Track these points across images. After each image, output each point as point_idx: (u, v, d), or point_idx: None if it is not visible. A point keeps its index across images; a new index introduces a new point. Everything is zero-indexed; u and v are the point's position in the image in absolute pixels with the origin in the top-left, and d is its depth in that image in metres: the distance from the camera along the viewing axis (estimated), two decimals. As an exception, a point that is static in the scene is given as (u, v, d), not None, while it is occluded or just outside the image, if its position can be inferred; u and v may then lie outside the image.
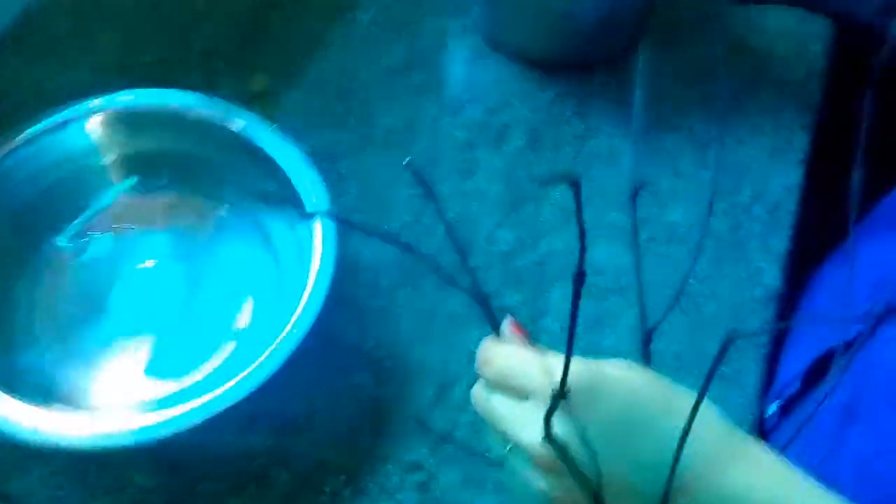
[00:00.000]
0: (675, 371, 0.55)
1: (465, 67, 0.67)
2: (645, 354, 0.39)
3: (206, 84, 0.62)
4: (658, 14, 0.69)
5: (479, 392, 0.39)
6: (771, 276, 0.59)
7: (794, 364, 0.54)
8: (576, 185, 0.26)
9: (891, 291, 0.48)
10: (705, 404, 0.32)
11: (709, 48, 0.69)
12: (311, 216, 0.33)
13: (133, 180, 0.52)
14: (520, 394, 0.36)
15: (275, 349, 0.45)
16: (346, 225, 0.32)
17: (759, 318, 0.57)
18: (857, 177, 0.38)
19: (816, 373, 0.50)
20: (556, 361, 0.36)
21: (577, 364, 0.34)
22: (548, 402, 0.33)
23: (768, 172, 0.63)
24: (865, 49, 0.74)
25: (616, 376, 0.36)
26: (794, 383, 0.51)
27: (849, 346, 0.44)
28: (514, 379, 0.37)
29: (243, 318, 0.51)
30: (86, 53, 0.64)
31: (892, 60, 0.59)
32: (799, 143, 0.65)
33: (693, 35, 0.69)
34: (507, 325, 0.39)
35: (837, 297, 0.55)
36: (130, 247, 0.53)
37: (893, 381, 0.43)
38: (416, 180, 0.34)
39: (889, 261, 0.52)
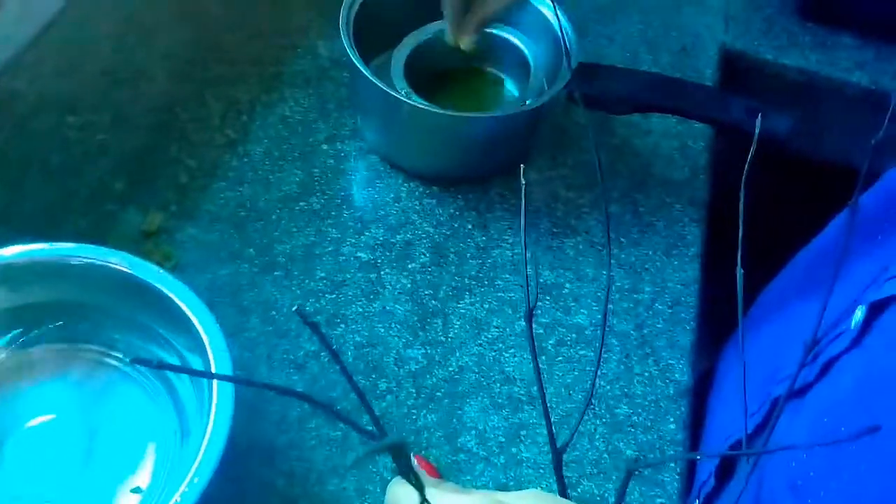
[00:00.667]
0: (593, 477, 0.55)
1: (364, 189, 0.67)
2: (559, 479, 0.38)
3: (94, 228, 0.61)
4: (546, 123, 0.72)
5: None
6: (680, 371, 0.60)
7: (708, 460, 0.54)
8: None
9: (777, 381, 0.49)
10: None
11: (596, 154, 0.72)
12: (203, 375, 0.32)
13: (15, 335, 0.50)
14: None
15: (176, 502, 0.42)
16: (240, 383, 0.31)
17: (673, 415, 0.57)
18: (739, 274, 0.40)
19: (729, 467, 0.51)
20: (466, 498, 0.35)
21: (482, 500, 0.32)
22: None
23: (665, 269, 0.65)
24: (740, 146, 0.79)
25: None
26: (709, 481, 0.51)
27: (750, 437, 0.44)
28: None
29: (144, 473, 0.48)
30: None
31: (763, 151, 0.63)
32: (692, 237, 0.67)
33: (581, 141, 0.72)
34: (414, 463, 0.38)
35: (735, 392, 0.56)
36: (20, 404, 0.50)
37: (790, 471, 0.43)
38: (307, 326, 0.33)
39: (772, 351, 0.54)
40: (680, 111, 0.64)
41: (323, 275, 0.62)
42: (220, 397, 0.46)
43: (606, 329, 0.61)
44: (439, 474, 0.38)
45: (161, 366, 0.30)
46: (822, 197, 0.81)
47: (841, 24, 0.86)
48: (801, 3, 0.87)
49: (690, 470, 0.56)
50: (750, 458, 0.37)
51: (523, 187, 0.36)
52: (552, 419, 0.56)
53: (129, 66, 0.72)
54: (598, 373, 0.59)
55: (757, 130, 0.54)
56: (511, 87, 0.72)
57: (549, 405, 0.57)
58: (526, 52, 0.69)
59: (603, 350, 0.60)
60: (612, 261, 0.65)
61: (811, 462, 0.42)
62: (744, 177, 0.42)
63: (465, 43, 0.65)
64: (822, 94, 0.84)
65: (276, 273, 0.61)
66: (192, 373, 0.29)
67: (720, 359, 0.66)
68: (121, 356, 0.52)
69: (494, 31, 0.70)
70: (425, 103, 0.62)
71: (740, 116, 0.61)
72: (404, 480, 0.36)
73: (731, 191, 0.77)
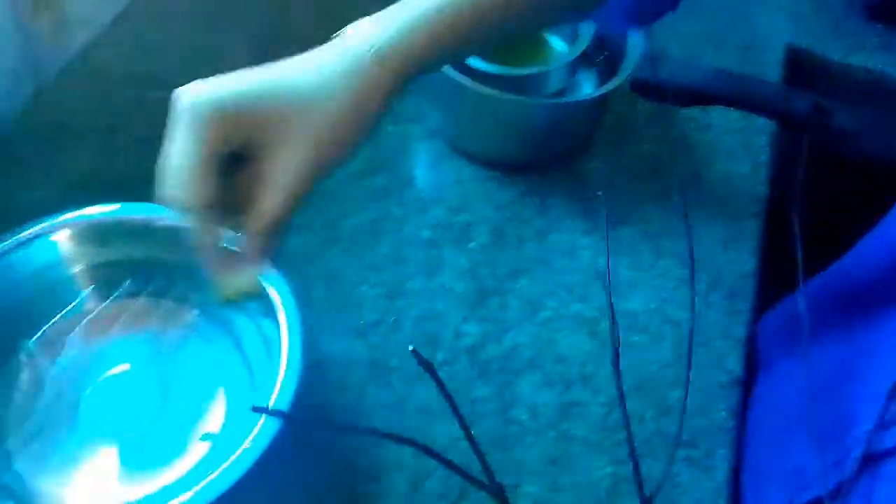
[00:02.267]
0: (641, 458, 0.56)
1: (428, 170, 0.69)
2: None
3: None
4: (610, 113, 0.73)
5: None
6: (732, 361, 0.60)
7: None
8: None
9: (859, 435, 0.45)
10: None
11: (658, 144, 0.73)
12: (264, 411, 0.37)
13: (100, 289, 0.53)
14: None
15: (246, 449, 0.45)
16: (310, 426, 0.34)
17: (725, 404, 0.58)
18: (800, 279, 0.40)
19: None
20: None
21: None
22: None
23: (723, 261, 0.66)
24: (803, 142, 0.79)
25: None
26: None
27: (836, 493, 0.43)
28: None
29: (215, 420, 0.51)
30: (52, 171, 0.65)
31: (827, 146, 0.63)
32: (750, 231, 0.68)
33: (642, 132, 0.73)
34: None
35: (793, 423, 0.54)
36: (101, 354, 0.54)
37: None
38: (418, 360, 0.36)
39: (840, 378, 0.51)
40: (745, 105, 0.64)
41: (386, 250, 0.64)
42: (290, 357, 0.49)
43: (661, 317, 0.62)
44: None
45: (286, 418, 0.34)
46: (884, 198, 0.81)
47: (910, 27, 0.86)
48: (869, 4, 0.87)
49: (739, 457, 0.57)
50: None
51: (604, 203, 0.37)
52: (604, 399, 0.57)
53: (210, 44, 0.75)
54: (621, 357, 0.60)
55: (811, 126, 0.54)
56: (558, 47, 0.73)
57: (599, 387, 0.58)
58: None
59: (657, 337, 0.61)
60: (668, 250, 0.66)
61: None
62: (799, 178, 0.43)
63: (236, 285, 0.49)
64: (888, 95, 0.84)
65: (340, 246, 0.64)
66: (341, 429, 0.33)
67: (759, 367, 0.64)
68: (196, 313, 0.54)
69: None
70: (490, 89, 0.64)
71: (807, 113, 0.61)
72: None
73: (792, 188, 0.78)
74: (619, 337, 0.41)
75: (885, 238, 0.58)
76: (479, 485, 0.35)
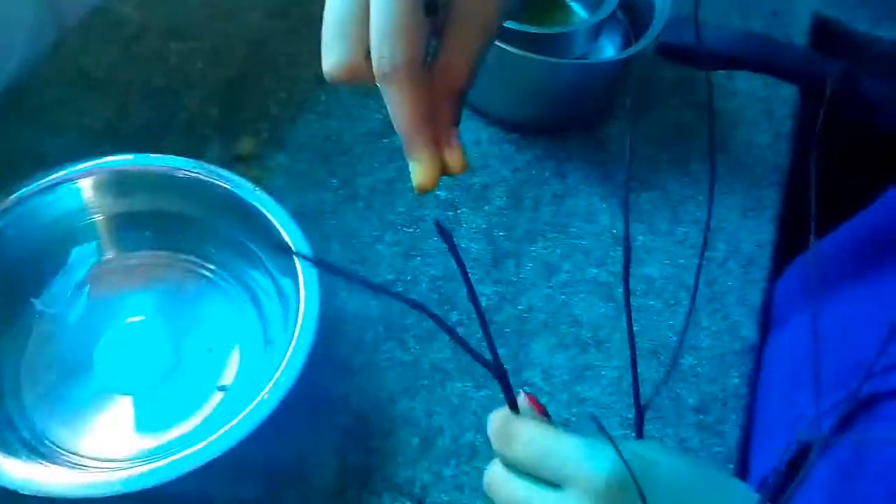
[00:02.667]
0: (653, 421, 0.56)
1: (446, 131, 0.69)
2: (638, 432, 0.39)
3: (192, 148, 0.64)
4: (632, 78, 0.72)
5: (497, 476, 0.35)
6: (748, 328, 0.60)
7: (767, 458, 0.52)
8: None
9: (860, 373, 0.46)
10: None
11: (680, 112, 0.72)
12: (295, 255, 0.33)
13: (120, 239, 0.53)
14: (552, 481, 0.33)
15: (261, 401, 0.45)
16: (329, 271, 0.33)
17: (738, 371, 0.58)
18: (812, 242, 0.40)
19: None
20: (588, 446, 0.33)
21: (618, 454, 0.31)
22: (588, 493, 0.31)
23: (741, 229, 0.65)
24: (829, 113, 0.78)
25: (666, 468, 0.33)
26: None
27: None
28: (547, 463, 0.33)
29: (230, 373, 0.51)
30: (74, 120, 0.65)
31: (849, 111, 0.62)
32: (769, 200, 0.67)
33: (665, 99, 0.72)
34: (524, 400, 0.36)
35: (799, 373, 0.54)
36: (117, 304, 0.54)
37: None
38: (438, 230, 0.36)
39: (844, 330, 0.51)
40: (771, 69, 0.63)
41: (402, 209, 0.64)
42: (307, 313, 0.49)
43: (677, 283, 0.62)
44: (548, 415, 0.36)
45: (324, 266, 0.32)
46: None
47: (942, -2, 0.84)
48: (901, -27, 0.85)
49: (750, 422, 0.57)
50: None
51: (631, 126, 0.37)
52: (617, 363, 0.57)
53: (229, -1, 0.75)
54: (636, 325, 0.60)
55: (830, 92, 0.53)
56: (581, 12, 0.72)
57: (613, 351, 0.58)
58: None
59: (671, 303, 0.61)
60: (688, 217, 0.66)
61: None
62: (815, 140, 0.42)
63: (455, 160, 0.39)
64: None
65: (357, 204, 0.63)
66: (334, 271, 0.31)
67: (772, 327, 0.65)
68: (213, 268, 0.55)
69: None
70: (512, 48, 0.63)
71: (835, 78, 0.60)
72: (507, 410, 0.36)
73: (815, 159, 0.77)
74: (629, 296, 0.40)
75: None
76: (484, 363, 0.35)
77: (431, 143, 0.37)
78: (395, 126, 0.36)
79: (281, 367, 0.47)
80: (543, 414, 0.37)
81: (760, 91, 0.74)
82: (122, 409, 0.50)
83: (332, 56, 0.36)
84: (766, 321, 0.62)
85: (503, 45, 0.63)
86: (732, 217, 0.66)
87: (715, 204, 0.67)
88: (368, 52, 0.35)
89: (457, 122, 0.38)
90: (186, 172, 0.52)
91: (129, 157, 0.52)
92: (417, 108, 0.36)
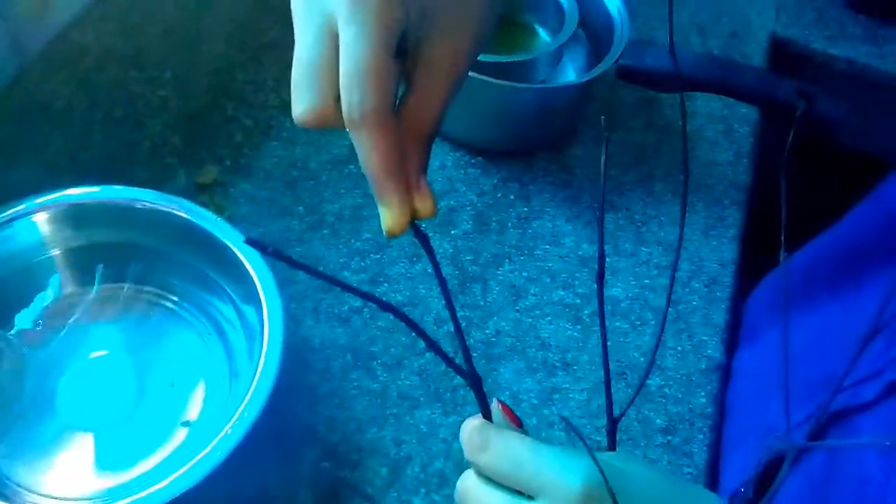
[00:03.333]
0: (622, 443, 0.56)
1: (411, 156, 0.69)
2: (610, 444, 0.39)
3: (155, 178, 0.64)
4: (595, 101, 0.73)
5: (470, 485, 0.35)
6: (713, 347, 0.61)
7: (737, 471, 0.52)
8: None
9: (828, 387, 0.45)
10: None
11: (642, 133, 0.73)
12: (253, 244, 0.32)
13: (79, 273, 0.52)
14: (526, 491, 0.33)
15: (225, 435, 0.45)
16: (288, 262, 0.32)
17: (705, 390, 0.58)
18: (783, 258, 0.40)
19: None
20: (562, 455, 0.33)
21: (594, 463, 0.31)
22: (563, 502, 0.31)
23: (703, 248, 0.66)
24: (787, 131, 0.79)
25: (639, 478, 0.34)
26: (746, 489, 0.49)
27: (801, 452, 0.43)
28: (521, 473, 0.33)
29: (194, 408, 0.51)
30: (34, 153, 0.65)
31: (808, 129, 0.63)
32: (732, 219, 0.68)
33: (627, 121, 0.73)
34: (498, 409, 0.36)
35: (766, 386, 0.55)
36: (79, 339, 0.53)
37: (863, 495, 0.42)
38: (415, 232, 0.37)
39: (809, 345, 0.52)
40: (730, 91, 0.64)
41: (369, 236, 0.63)
42: (271, 344, 0.49)
43: (643, 303, 0.62)
44: (522, 426, 0.36)
45: (275, 254, 0.31)
46: (863, 189, 0.81)
47: (892, 17, 0.86)
48: (854, -6, 0.87)
49: (718, 441, 0.57)
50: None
51: (605, 141, 0.37)
52: (585, 386, 0.58)
53: (191, 27, 0.74)
54: (629, 345, 0.60)
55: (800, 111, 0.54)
56: (544, 36, 0.73)
57: (581, 373, 0.58)
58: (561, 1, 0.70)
59: (637, 324, 0.62)
60: (651, 238, 0.66)
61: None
62: (784, 159, 0.43)
63: (425, 205, 0.37)
64: (870, 86, 0.84)
65: (323, 231, 0.63)
66: (304, 268, 0.30)
67: (741, 342, 0.66)
68: (176, 299, 0.54)
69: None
70: (476, 74, 0.63)
71: (791, 99, 0.62)
72: (480, 418, 0.36)
73: (774, 177, 0.78)
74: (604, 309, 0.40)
75: (881, 203, 0.59)
76: (458, 371, 0.35)
77: (401, 188, 0.36)
78: (364, 171, 0.36)
79: (245, 400, 0.46)
80: (517, 423, 0.36)
81: (719, 111, 0.75)
82: (84, 447, 0.49)
83: (302, 102, 0.36)
84: (732, 339, 0.62)
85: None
86: (695, 236, 0.67)
87: (677, 224, 0.67)
88: (339, 96, 0.35)
89: (425, 167, 0.38)
90: (145, 203, 0.51)
91: (87, 189, 0.52)
92: (387, 154, 0.35)
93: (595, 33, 0.73)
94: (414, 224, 0.37)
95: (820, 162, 0.77)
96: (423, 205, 0.37)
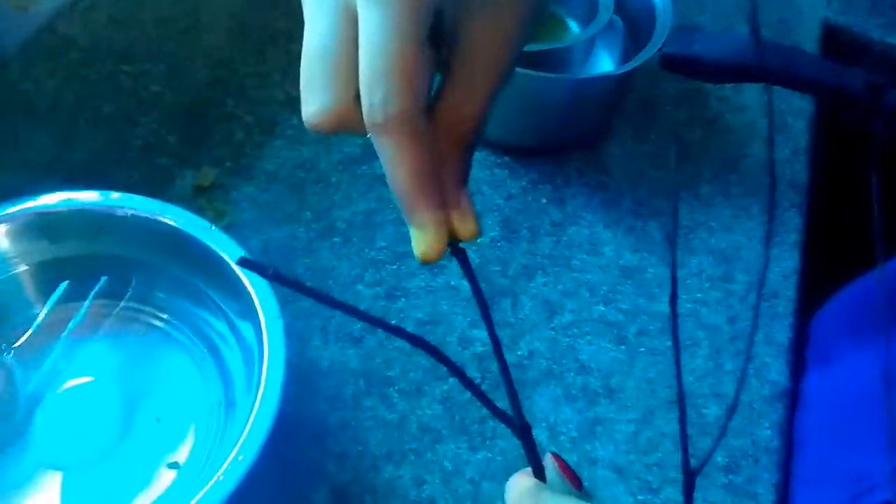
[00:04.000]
0: (678, 483, 0.49)
1: (431, 155, 0.62)
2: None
3: (146, 180, 0.57)
4: (633, 93, 0.66)
5: None
6: (776, 371, 0.53)
7: None
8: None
9: None
10: None
11: (687, 129, 0.66)
12: (247, 265, 0.26)
13: (60, 288, 0.46)
14: None
15: (219, 480, 0.38)
16: (291, 286, 0.26)
17: (769, 420, 0.51)
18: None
19: None
20: None
21: None
22: None
23: (761, 258, 0.59)
24: (852, 124, 0.72)
25: None
26: None
27: None
28: None
29: (184, 446, 0.44)
30: (14, 152, 0.58)
31: (877, 125, 0.56)
32: (791, 224, 0.61)
33: (670, 115, 0.66)
34: (551, 463, 0.31)
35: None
36: (58, 363, 0.47)
37: None
38: (452, 251, 0.30)
39: None
40: (788, 81, 0.57)
41: (384, 244, 0.57)
42: (271, 368, 0.42)
43: (694, 320, 0.55)
44: (583, 487, 0.31)
45: (276, 277, 0.24)
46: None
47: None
48: (912, -21, 0.80)
49: (786, 481, 0.50)
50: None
51: (672, 162, 0.30)
52: (633, 416, 0.50)
53: (188, 17, 0.68)
54: (681, 369, 0.53)
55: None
56: (574, 28, 0.66)
57: (627, 402, 0.51)
58: None
59: (689, 344, 0.54)
60: (701, 246, 0.59)
61: None
62: (874, 157, 0.36)
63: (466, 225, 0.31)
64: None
65: (334, 239, 0.56)
66: (310, 293, 0.24)
67: (810, 364, 0.59)
68: (165, 317, 0.47)
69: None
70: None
71: (858, 89, 0.54)
72: (529, 473, 0.30)
73: (835, 176, 0.70)
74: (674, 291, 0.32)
75: None
76: (505, 420, 0.29)
77: (436, 206, 0.29)
78: (390, 186, 0.29)
79: (242, 437, 0.39)
80: (575, 481, 0.30)
81: (773, 104, 0.68)
82: (56, 489, 0.43)
83: (314, 101, 0.29)
84: (798, 361, 0.55)
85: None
86: (752, 244, 0.59)
87: (731, 230, 0.60)
88: (358, 94, 0.28)
89: (465, 179, 0.31)
90: (127, 211, 0.45)
91: (62, 196, 0.45)
92: (418, 164, 0.29)
93: (633, 20, 0.66)
94: (453, 244, 0.30)
95: (888, 160, 0.69)
96: (464, 225, 0.30)
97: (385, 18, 0.27)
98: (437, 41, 0.29)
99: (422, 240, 0.30)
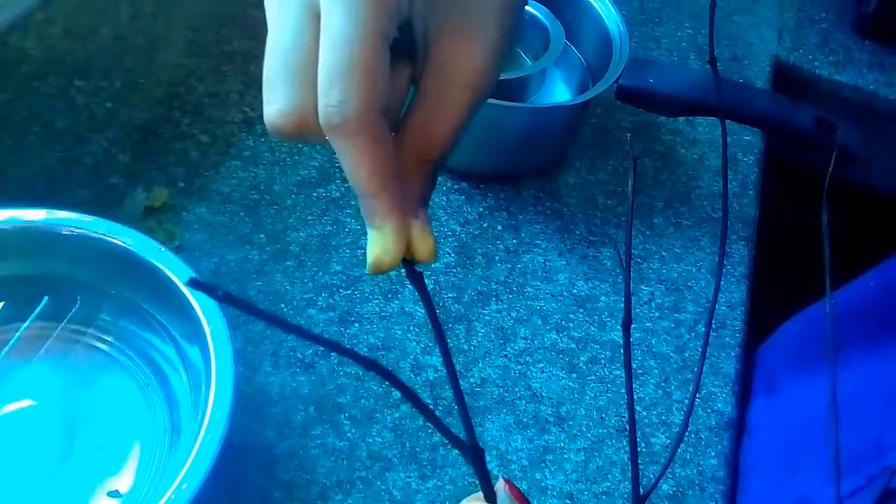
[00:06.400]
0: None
1: (388, 180, 0.62)
2: None
3: (96, 201, 0.56)
4: (589, 123, 0.67)
5: None
6: (722, 401, 0.54)
7: None
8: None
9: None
10: None
11: (639, 160, 0.67)
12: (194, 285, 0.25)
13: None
14: None
15: (160, 511, 0.37)
16: (242, 309, 0.25)
17: (715, 449, 0.52)
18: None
19: None
20: None
21: None
22: None
23: (710, 288, 0.60)
24: (801, 159, 0.73)
25: None
26: None
27: None
28: None
29: (126, 473, 0.43)
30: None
31: (823, 161, 0.58)
32: (739, 256, 0.62)
33: (623, 146, 0.67)
34: (503, 488, 0.30)
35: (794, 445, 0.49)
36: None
37: None
38: (407, 272, 0.30)
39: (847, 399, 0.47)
40: (738, 115, 0.58)
41: (339, 268, 0.56)
42: (218, 393, 0.41)
43: (644, 349, 0.56)
44: None
45: (226, 298, 0.24)
46: (869, 225, 0.75)
47: (900, 44, 0.82)
48: (858, 19, 0.83)
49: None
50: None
51: (633, 161, 0.30)
52: (582, 445, 0.51)
53: (145, 33, 0.67)
54: (633, 396, 0.53)
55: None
56: (527, 60, 0.66)
57: (577, 430, 0.51)
58: (542, 19, 0.64)
59: (639, 372, 0.55)
60: (652, 275, 0.60)
61: None
62: (825, 192, 0.37)
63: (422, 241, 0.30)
64: (879, 115, 0.79)
65: (287, 263, 0.56)
66: (263, 316, 0.23)
67: (756, 393, 0.60)
68: (112, 340, 0.46)
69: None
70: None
71: (807, 126, 0.56)
72: (481, 498, 0.30)
73: (781, 211, 0.72)
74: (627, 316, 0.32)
75: None
76: (457, 444, 0.29)
77: (397, 209, 0.28)
78: (353, 187, 0.28)
79: (187, 465, 0.39)
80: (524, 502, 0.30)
81: (727, 137, 0.69)
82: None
83: (275, 101, 0.28)
84: (744, 390, 0.56)
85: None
86: (701, 275, 0.60)
87: (681, 261, 0.61)
88: None
89: (426, 199, 0.30)
90: (73, 230, 0.44)
91: (2, 214, 0.44)
92: (379, 167, 0.28)
93: (591, 53, 0.67)
94: (407, 262, 0.30)
95: (833, 195, 0.71)
96: (422, 242, 0.30)
97: (347, 15, 0.27)
98: (411, 52, 0.29)
99: (378, 244, 0.29)
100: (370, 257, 0.29)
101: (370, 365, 0.28)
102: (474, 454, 0.30)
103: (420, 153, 0.30)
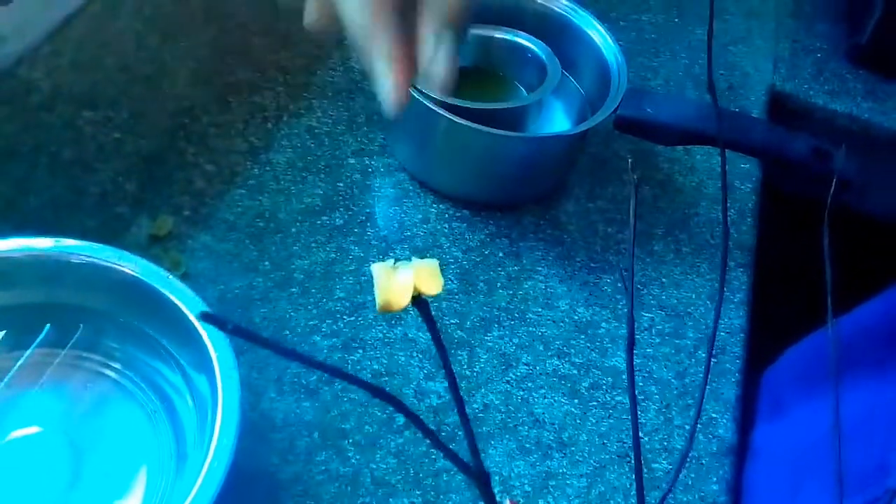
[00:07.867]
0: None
1: (391, 207, 0.63)
2: None
3: (102, 230, 0.57)
4: (588, 152, 0.68)
5: None
6: (723, 427, 0.55)
7: None
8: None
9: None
10: None
11: (639, 188, 0.68)
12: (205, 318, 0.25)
13: (4, 335, 0.45)
14: None
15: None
16: (253, 341, 0.26)
17: (716, 475, 0.52)
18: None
19: None
20: None
21: None
22: None
23: (710, 315, 0.60)
24: (797, 187, 0.74)
25: None
26: None
27: None
28: None
29: (134, 497, 0.43)
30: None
31: (821, 189, 0.58)
32: (738, 283, 0.63)
33: (622, 174, 0.68)
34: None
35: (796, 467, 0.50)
36: (4, 413, 0.46)
37: None
38: (413, 304, 0.29)
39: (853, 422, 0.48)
40: (736, 144, 0.59)
41: (342, 295, 0.57)
42: (225, 420, 0.42)
43: (645, 375, 0.56)
44: None
45: (237, 331, 0.24)
46: (865, 251, 0.76)
47: (894, 72, 0.83)
48: (852, 49, 0.84)
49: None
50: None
51: (634, 188, 0.31)
52: (585, 470, 0.51)
53: (151, 64, 0.68)
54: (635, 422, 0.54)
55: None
56: (523, 90, 0.67)
57: (580, 456, 0.52)
58: (538, 52, 0.65)
59: (640, 398, 0.55)
60: (652, 302, 0.61)
61: None
62: (825, 218, 0.38)
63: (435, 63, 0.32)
64: (874, 143, 0.80)
65: (292, 290, 0.57)
66: (272, 347, 0.23)
67: (761, 417, 0.60)
68: (119, 367, 0.47)
69: (500, 35, 0.66)
70: (465, 120, 0.58)
71: (804, 155, 0.57)
72: None
73: (778, 238, 0.73)
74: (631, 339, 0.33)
75: None
76: (464, 469, 0.29)
77: (397, 42, 0.27)
78: (348, 36, 0.28)
79: (192, 493, 0.39)
80: None
81: (720, 166, 0.70)
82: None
83: None
84: (745, 416, 0.56)
85: (453, 118, 0.57)
86: (700, 301, 0.61)
87: (680, 287, 0.62)
88: None
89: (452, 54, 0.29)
90: (82, 258, 0.44)
91: (13, 242, 0.45)
92: (385, 44, 0.27)
93: (589, 83, 0.68)
94: (417, 300, 0.30)
95: (817, 224, 0.72)
96: (432, 63, 0.28)
97: None
98: None
99: (385, 83, 0.28)
100: (384, 97, 0.28)
101: (377, 392, 0.28)
102: (481, 478, 0.30)
103: (440, 19, 0.30)
